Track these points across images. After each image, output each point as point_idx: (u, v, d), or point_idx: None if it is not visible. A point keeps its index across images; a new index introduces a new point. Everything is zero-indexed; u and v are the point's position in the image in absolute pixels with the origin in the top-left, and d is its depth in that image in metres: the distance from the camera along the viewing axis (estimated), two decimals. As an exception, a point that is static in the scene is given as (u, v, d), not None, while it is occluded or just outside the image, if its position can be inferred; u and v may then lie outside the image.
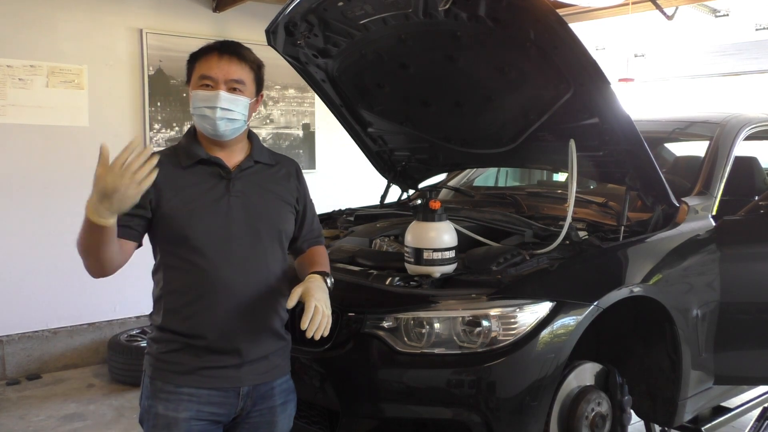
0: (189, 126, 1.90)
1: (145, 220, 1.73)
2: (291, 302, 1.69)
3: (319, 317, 1.66)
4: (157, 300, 1.80)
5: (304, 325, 1.64)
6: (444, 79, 2.78)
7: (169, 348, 1.76)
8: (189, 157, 1.79)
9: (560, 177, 3.99)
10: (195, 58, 1.82)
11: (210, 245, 1.74)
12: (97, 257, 1.62)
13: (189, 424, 1.72)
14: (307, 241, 1.99)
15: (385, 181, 3.59)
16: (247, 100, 1.81)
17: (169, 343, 1.76)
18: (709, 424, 2.95)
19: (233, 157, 1.84)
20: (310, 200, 2.01)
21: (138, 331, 4.57)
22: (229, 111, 1.76)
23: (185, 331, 1.74)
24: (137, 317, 4.88)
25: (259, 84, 1.87)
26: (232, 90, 1.77)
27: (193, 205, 1.74)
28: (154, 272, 1.82)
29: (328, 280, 1.83)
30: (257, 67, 1.85)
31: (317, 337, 1.66)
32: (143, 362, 1.84)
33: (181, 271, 1.74)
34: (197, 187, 1.76)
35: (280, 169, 1.92)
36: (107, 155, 1.47)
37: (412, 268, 2.30)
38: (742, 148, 3.16)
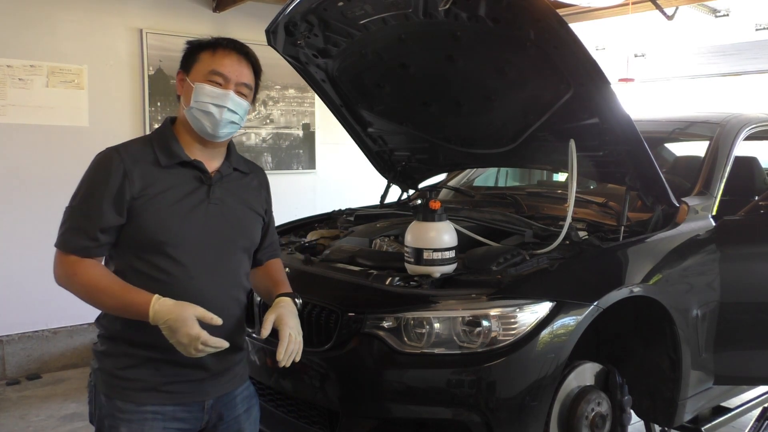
0: (165, 120, 1.79)
1: (120, 226, 1.64)
2: (265, 331, 1.67)
3: (293, 346, 1.67)
4: None
5: (279, 356, 1.65)
6: (444, 79, 2.78)
7: (126, 364, 1.64)
8: (169, 156, 1.68)
9: (560, 177, 3.99)
10: (202, 48, 1.72)
11: (184, 253, 1.65)
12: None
13: None
14: (266, 253, 1.93)
15: (385, 181, 3.59)
16: (249, 106, 1.77)
17: (127, 357, 1.64)
18: (709, 424, 2.94)
19: (212, 162, 1.75)
20: (272, 212, 1.97)
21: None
22: (234, 114, 1.71)
23: (147, 342, 1.61)
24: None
25: (256, 91, 1.83)
26: (239, 93, 1.72)
27: (171, 209, 1.64)
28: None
29: (298, 302, 1.80)
30: (260, 75, 1.82)
31: (288, 365, 1.66)
32: (91, 376, 1.71)
33: (148, 277, 1.62)
34: (176, 191, 1.66)
35: (253, 179, 1.85)
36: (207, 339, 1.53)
37: (412, 268, 2.30)
38: (742, 148, 3.16)
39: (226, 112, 1.69)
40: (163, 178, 1.66)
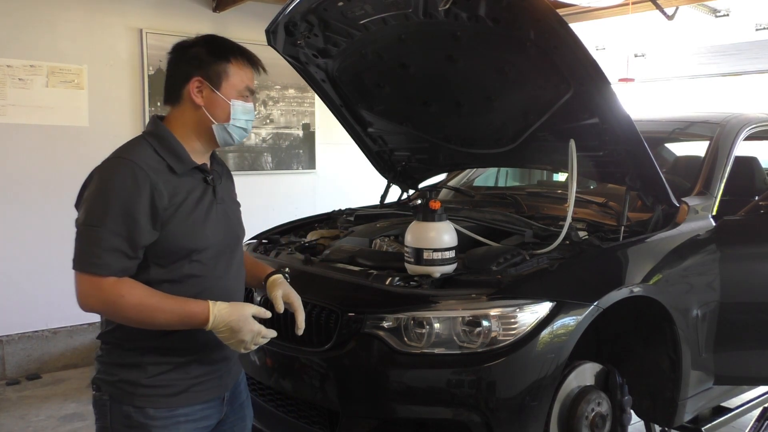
0: (156, 122, 1.71)
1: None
2: (281, 306, 1.79)
3: (304, 316, 1.83)
4: None
5: (301, 324, 1.79)
6: (444, 79, 2.78)
7: (155, 372, 1.64)
8: (182, 163, 1.66)
9: (560, 177, 3.99)
10: (227, 58, 1.69)
11: (208, 255, 1.67)
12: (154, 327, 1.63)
13: None
14: None
15: (385, 181, 3.59)
16: None
17: (155, 366, 1.64)
18: (709, 424, 2.94)
19: (207, 162, 1.77)
20: None
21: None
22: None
23: (177, 347, 1.65)
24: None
25: None
26: None
27: (193, 216, 1.65)
28: None
29: (288, 275, 1.91)
30: None
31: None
32: (103, 390, 1.66)
33: (178, 284, 1.63)
34: (192, 196, 1.66)
35: (227, 171, 1.89)
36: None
37: (412, 268, 2.30)
38: (742, 148, 3.16)
39: (251, 123, 1.77)
40: (181, 186, 1.64)
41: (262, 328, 1.64)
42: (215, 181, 1.73)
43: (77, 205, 1.62)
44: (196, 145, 1.71)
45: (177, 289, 1.62)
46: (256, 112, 1.90)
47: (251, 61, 1.74)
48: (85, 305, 1.56)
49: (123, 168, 1.57)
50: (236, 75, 1.69)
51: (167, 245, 1.60)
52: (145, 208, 1.55)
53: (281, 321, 2.42)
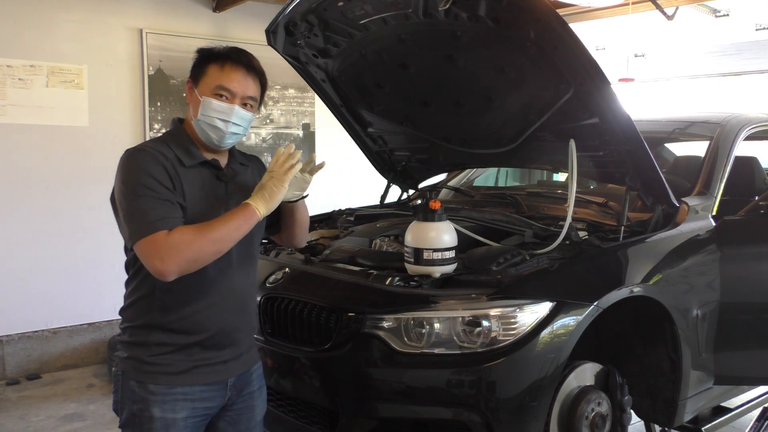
0: (175, 122, 1.85)
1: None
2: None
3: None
4: (143, 298, 1.75)
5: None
6: (444, 79, 2.77)
7: (159, 351, 1.74)
8: (190, 157, 1.77)
9: (560, 177, 3.99)
10: (210, 60, 1.78)
11: None
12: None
13: (186, 422, 1.75)
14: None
15: (385, 181, 3.59)
16: (253, 116, 1.84)
17: (160, 345, 1.74)
18: (709, 424, 2.95)
19: (222, 159, 1.86)
20: None
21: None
22: (238, 126, 1.79)
23: (181, 329, 1.73)
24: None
25: (262, 99, 1.90)
26: (244, 105, 1.80)
27: (198, 207, 1.74)
28: (139, 269, 1.73)
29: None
30: (265, 84, 1.88)
31: None
32: (118, 366, 1.79)
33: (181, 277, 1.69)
34: (200, 190, 1.77)
35: (252, 169, 1.96)
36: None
37: (412, 268, 2.30)
38: (742, 148, 3.16)
39: (231, 126, 1.78)
40: (188, 177, 1.75)
41: (287, 167, 1.77)
42: (229, 177, 1.82)
43: (111, 198, 1.76)
44: (199, 142, 1.81)
45: (181, 280, 1.66)
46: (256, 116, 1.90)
47: (238, 63, 1.78)
48: (162, 269, 1.61)
49: (136, 153, 1.72)
50: (213, 74, 1.77)
51: None
52: (164, 177, 1.68)
53: (281, 321, 2.42)
